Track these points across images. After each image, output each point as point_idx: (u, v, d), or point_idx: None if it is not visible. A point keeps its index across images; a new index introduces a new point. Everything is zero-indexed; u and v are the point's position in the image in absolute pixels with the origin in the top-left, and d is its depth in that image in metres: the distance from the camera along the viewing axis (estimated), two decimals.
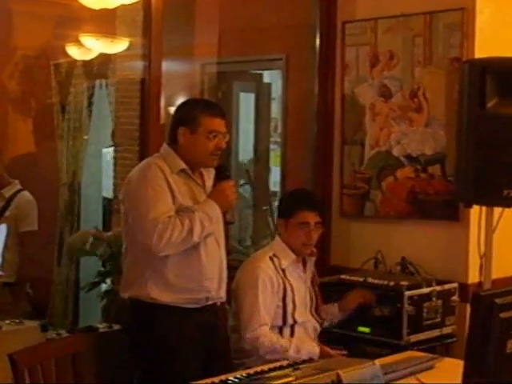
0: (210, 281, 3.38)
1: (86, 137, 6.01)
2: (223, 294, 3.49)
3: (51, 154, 5.90)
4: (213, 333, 3.42)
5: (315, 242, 3.83)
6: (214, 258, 3.41)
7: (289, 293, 3.73)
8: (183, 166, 3.35)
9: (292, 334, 3.73)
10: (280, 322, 3.70)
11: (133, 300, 3.36)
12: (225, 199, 3.36)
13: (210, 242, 3.38)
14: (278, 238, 3.85)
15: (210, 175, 3.46)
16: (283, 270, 3.75)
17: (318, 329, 3.87)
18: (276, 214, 4.00)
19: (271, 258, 3.75)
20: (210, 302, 3.40)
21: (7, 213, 4.93)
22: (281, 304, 3.70)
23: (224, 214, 3.38)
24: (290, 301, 3.73)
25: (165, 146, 3.44)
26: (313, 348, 3.64)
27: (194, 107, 3.43)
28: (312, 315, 3.84)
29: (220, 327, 3.50)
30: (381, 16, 4.67)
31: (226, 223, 3.46)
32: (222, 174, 3.42)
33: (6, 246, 4.68)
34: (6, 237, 4.70)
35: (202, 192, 3.40)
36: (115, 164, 4.94)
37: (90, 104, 5.92)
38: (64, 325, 5.25)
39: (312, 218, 3.78)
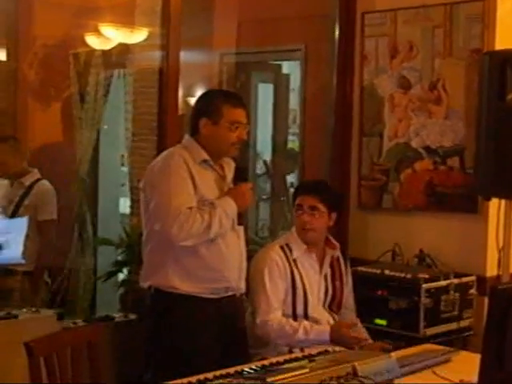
0: (230, 271, 3.39)
1: (105, 126, 6.03)
2: (243, 285, 3.50)
3: (70, 143, 5.92)
4: (231, 323, 3.44)
5: (312, 227, 3.73)
6: (234, 248, 3.42)
7: (298, 283, 3.70)
8: (206, 156, 3.36)
9: None
10: (290, 310, 3.69)
11: (153, 289, 3.37)
12: (244, 201, 3.38)
13: (230, 232, 3.38)
14: (293, 229, 3.83)
15: (230, 168, 3.48)
16: (294, 260, 3.74)
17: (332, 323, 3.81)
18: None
19: (282, 248, 3.74)
20: (229, 293, 3.42)
21: (26, 201, 4.96)
22: (290, 291, 3.69)
23: (238, 214, 3.38)
24: (301, 291, 3.70)
25: (187, 136, 3.45)
26: (323, 328, 3.62)
27: (215, 98, 3.42)
28: (325, 309, 3.80)
29: (238, 318, 3.52)
30: (401, 7, 4.64)
31: (237, 224, 3.45)
32: (242, 176, 3.46)
33: (26, 235, 4.71)
34: (28, 226, 4.72)
35: (223, 183, 3.42)
36: (132, 154, 4.95)
37: (106, 93, 5.92)
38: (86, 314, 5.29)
39: (305, 200, 3.73)
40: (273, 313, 3.61)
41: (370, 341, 3.71)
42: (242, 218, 3.45)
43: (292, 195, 3.96)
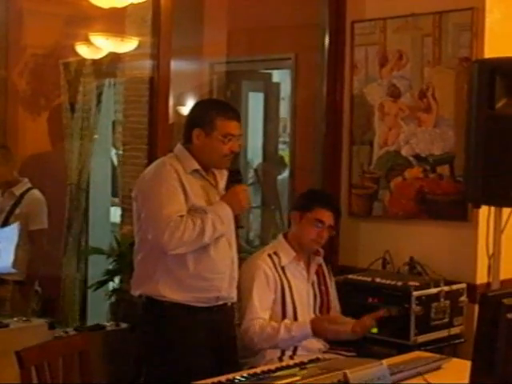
0: (221, 280, 3.40)
1: (95, 136, 6.03)
2: (234, 294, 3.50)
3: (60, 152, 5.92)
4: (221, 332, 3.44)
5: (324, 242, 3.85)
6: (225, 257, 3.42)
7: (287, 291, 3.74)
8: (197, 166, 3.37)
9: None
10: (279, 319, 3.70)
11: (144, 297, 3.38)
12: (238, 203, 3.37)
13: (222, 241, 3.39)
14: (280, 236, 3.89)
15: (222, 176, 3.48)
16: (282, 268, 3.77)
17: None
18: (290, 208, 4.02)
19: (270, 256, 3.77)
20: (220, 302, 3.42)
21: (17, 211, 4.96)
22: (279, 300, 3.72)
23: (235, 217, 3.39)
24: (289, 299, 3.74)
25: (179, 146, 3.45)
26: (304, 325, 3.65)
27: (209, 109, 3.42)
28: (315, 315, 3.83)
29: (229, 327, 3.52)
30: (390, 16, 4.65)
31: (237, 227, 3.46)
32: (235, 178, 3.45)
33: (16, 244, 4.71)
34: (19, 235, 4.73)
35: (215, 192, 3.42)
36: (123, 163, 4.94)
37: (98, 103, 5.93)
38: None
39: (328, 218, 3.83)
40: (256, 321, 3.62)
41: (348, 319, 3.72)
42: (239, 221, 3.45)
43: (304, 199, 3.97)
